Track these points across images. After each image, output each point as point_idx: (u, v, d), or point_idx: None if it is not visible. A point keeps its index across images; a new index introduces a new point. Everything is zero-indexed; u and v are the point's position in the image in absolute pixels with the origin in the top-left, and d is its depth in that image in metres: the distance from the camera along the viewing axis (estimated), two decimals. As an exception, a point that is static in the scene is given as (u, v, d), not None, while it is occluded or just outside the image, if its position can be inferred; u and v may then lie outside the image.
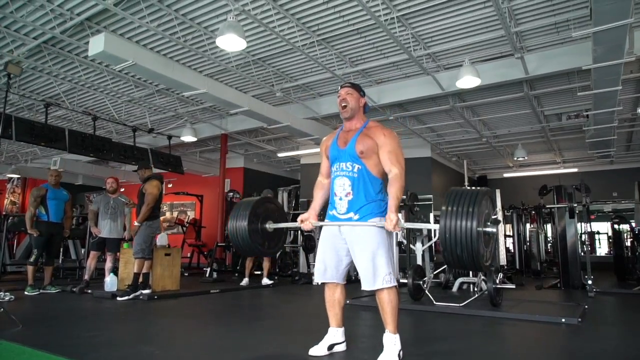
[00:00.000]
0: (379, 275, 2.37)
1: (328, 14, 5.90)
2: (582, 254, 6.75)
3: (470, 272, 5.99)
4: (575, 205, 6.24)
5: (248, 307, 4.95)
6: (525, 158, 11.55)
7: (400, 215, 2.46)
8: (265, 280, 6.86)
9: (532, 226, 10.31)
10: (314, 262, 9.15)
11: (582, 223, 6.42)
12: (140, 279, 5.24)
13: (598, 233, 14.00)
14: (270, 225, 2.83)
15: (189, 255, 11.66)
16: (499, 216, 2.16)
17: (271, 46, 6.82)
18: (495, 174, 15.29)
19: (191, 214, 14.33)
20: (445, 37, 6.53)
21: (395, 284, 2.42)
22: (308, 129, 9.21)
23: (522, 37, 6.47)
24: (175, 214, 14.47)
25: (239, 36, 5.07)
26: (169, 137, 10.37)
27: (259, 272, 7.67)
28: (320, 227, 2.64)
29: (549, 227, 11.68)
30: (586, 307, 4.40)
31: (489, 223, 2.17)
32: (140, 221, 5.20)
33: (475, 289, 4.44)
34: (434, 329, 3.47)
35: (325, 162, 2.71)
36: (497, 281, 4.31)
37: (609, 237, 13.26)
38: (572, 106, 9.23)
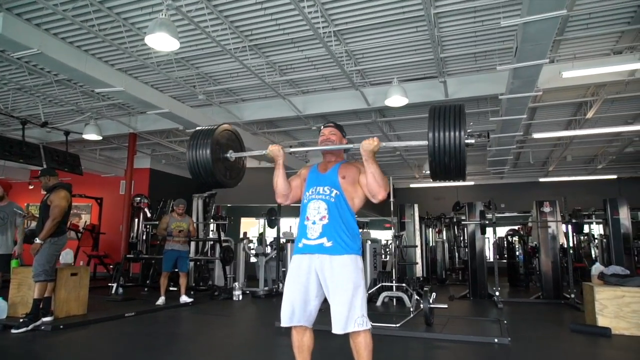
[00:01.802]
0: (351, 318, 2.23)
1: (264, 20, 5.68)
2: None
3: (394, 288, 6.18)
4: (487, 222, 6.78)
5: (171, 336, 4.46)
6: (433, 172, 12.32)
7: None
8: (184, 298, 6.36)
9: (438, 236, 11.03)
10: (232, 274, 8.83)
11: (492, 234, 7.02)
12: (41, 305, 4.49)
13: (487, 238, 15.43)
14: (231, 154, 2.72)
15: (81, 263, 10.49)
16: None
17: (198, 47, 6.38)
18: (402, 184, 16.13)
19: (86, 218, 12.92)
20: (376, 56, 6.69)
21: (370, 326, 2.32)
22: (229, 134, 8.79)
23: (445, 62, 6.87)
24: (66, 217, 12.90)
25: (171, 36, 4.62)
26: (67, 133, 9.19)
27: (174, 289, 7.11)
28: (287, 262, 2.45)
29: (445, 234, 12.65)
30: (505, 322, 4.76)
31: (468, 136, 2.23)
32: (44, 238, 4.45)
33: (411, 309, 4.55)
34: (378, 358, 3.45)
35: (296, 181, 2.63)
36: (431, 300, 4.47)
37: (495, 242, 14.67)
38: (477, 127, 10.10)
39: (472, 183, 14.94)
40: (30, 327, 4.27)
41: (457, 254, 12.56)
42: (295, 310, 2.34)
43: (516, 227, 11.20)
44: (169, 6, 4.81)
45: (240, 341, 4.24)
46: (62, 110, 9.01)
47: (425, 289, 4.56)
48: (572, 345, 4.04)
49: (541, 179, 14.38)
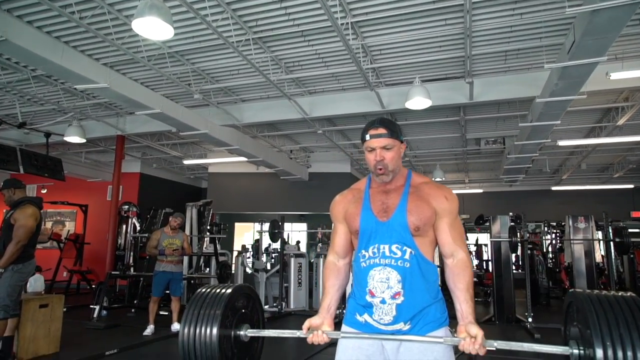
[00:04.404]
0: None
1: (272, 9, 4.95)
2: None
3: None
4: (519, 240, 6.06)
5: None
6: (443, 179, 11.63)
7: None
8: (176, 326, 5.52)
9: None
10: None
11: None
12: None
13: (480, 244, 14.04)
14: (247, 332, 1.77)
15: (65, 275, 9.63)
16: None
17: (194, 39, 5.62)
18: (405, 190, 15.41)
19: (70, 225, 12.04)
20: (396, 52, 5.98)
21: None
22: (227, 138, 8.02)
23: (471, 61, 6.16)
24: (49, 224, 12.02)
25: (164, 21, 3.84)
26: (47, 135, 8.34)
27: (165, 313, 6.29)
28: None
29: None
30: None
31: None
32: (5, 265, 3.64)
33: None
34: None
35: (343, 233, 1.76)
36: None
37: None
38: (492, 132, 9.42)
39: (480, 191, 14.27)
40: (-17, 379, 3.46)
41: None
42: None
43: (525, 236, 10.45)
44: (161, -13, 4.02)
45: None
46: (42, 110, 8.18)
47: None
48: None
49: (553, 188, 13.74)
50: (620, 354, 1.22)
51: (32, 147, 8.93)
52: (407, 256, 1.57)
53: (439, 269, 1.75)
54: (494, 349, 1.49)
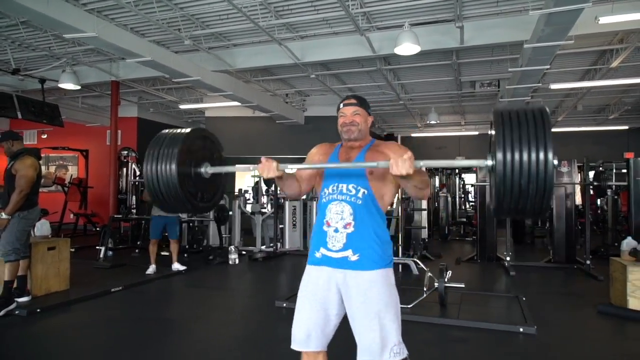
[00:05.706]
0: (386, 346, 1.81)
1: (258, -49, 4.84)
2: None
3: (400, 253, 5.83)
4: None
5: (160, 324, 3.94)
6: (438, 121, 11.70)
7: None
8: (176, 266, 5.96)
9: (442, 191, 10.62)
10: (227, 234, 8.45)
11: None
12: (14, 284, 4.06)
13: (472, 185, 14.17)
14: (207, 169, 2.01)
15: (71, 217, 10.07)
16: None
17: (181, -17, 5.53)
18: (402, 132, 15.52)
19: (73, 170, 12.35)
20: (386, -4, 5.86)
21: (406, 354, 1.88)
22: (220, 84, 8.06)
23: (462, 4, 6.06)
24: (52, 169, 12.34)
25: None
26: (42, 81, 8.40)
27: (166, 254, 6.70)
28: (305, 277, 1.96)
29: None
30: (524, 298, 4.41)
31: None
32: (11, 212, 3.92)
33: (425, 289, 4.16)
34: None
35: (309, 171, 2.07)
36: (447, 279, 4.08)
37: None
38: (487, 75, 9.38)
39: (475, 133, 14.36)
40: (2, 312, 3.85)
41: (458, 206, 12.25)
42: (312, 334, 1.90)
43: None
44: None
45: (239, 332, 3.83)
46: (35, 56, 8.16)
47: (440, 266, 4.16)
48: (606, 335, 3.69)
49: (548, 129, 13.77)
50: (517, 156, 1.43)
51: (27, 93, 9.01)
52: (359, 195, 1.89)
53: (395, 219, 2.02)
54: (422, 167, 1.75)
